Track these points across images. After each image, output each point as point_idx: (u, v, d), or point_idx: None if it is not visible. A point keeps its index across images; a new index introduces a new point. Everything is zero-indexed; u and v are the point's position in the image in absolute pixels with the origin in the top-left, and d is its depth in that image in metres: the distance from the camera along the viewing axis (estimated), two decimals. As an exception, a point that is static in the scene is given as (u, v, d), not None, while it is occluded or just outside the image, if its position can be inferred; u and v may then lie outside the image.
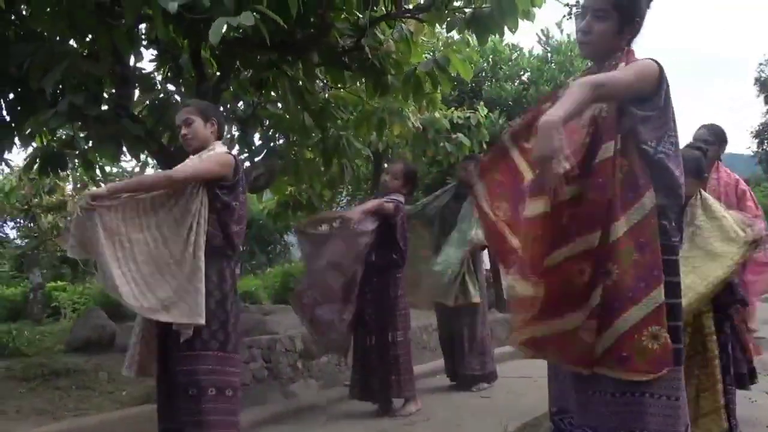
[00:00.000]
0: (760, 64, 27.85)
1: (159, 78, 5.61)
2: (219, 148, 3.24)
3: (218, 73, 5.05)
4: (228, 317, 3.09)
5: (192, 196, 3.04)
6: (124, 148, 4.53)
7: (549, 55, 12.92)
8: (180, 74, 5.34)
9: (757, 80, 27.56)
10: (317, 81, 5.77)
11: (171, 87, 5.65)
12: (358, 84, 5.82)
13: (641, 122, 2.02)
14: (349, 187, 11.52)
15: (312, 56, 4.68)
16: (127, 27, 4.04)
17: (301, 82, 5.29)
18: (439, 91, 5.60)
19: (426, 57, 5.35)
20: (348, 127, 6.32)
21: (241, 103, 6.37)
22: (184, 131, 3.24)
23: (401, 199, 4.86)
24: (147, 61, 5.18)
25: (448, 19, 4.84)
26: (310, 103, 5.55)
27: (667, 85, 2.08)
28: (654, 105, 2.05)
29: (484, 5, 4.62)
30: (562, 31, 13.60)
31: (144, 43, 4.90)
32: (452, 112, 8.04)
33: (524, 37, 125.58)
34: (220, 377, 3.05)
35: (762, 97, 30.00)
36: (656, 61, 2.08)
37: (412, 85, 5.10)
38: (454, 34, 5.45)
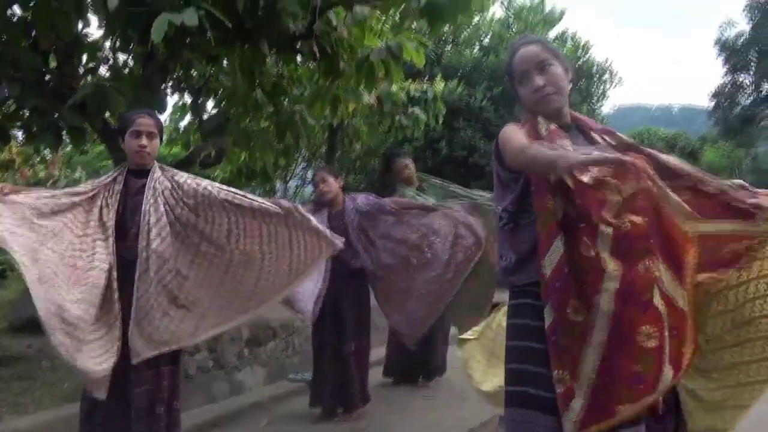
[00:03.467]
0: (721, 25, 27.93)
1: (108, 45, 5.48)
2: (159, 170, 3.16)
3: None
4: None
5: None
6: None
7: (510, 20, 12.86)
8: (128, 46, 5.20)
9: (718, 41, 27.73)
10: (269, 57, 5.68)
11: (122, 56, 5.55)
12: (310, 66, 5.74)
13: None
14: (305, 153, 11.46)
15: (262, 46, 4.57)
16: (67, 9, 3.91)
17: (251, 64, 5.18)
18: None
19: (378, 42, 5.26)
20: (301, 102, 6.26)
21: (194, 71, 6.28)
22: (144, 143, 3.04)
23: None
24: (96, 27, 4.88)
25: (402, 5, 4.77)
26: (261, 80, 5.47)
27: None
28: None
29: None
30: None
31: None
32: (410, 84, 8.01)
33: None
34: (176, 391, 3.14)
35: (720, 58, 30.35)
36: None
37: (365, 72, 5.03)
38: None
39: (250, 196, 3.14)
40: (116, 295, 2.90)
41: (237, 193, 3.11)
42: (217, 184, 3.17)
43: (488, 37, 12.41)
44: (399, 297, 4.46)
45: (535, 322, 2.03)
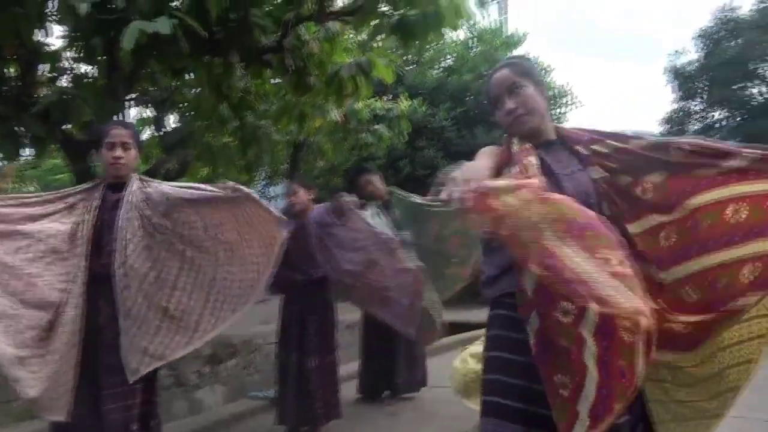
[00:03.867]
0: (671, 53, 28.71)
1: (69, 55, 5.33)
2: (137, 181, 3.06)
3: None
4: None
5: None
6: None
7: (472, 41, 13.00)
8: (93, 55, 5.07)
9: (668, 69, 28.48)
10: (237, 71, 5.61)
11: (84, 67, 5.39)
12: (278, 80, 5.68)
13: None
14: (267, 169, 11.35)
15: (232, 56, 4.51)
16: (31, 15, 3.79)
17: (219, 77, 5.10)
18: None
19: (348, 58, 5.24)
20: (267, 117, 6.19)
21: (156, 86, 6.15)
22: (119, 153, 2.94)
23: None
24: (56, 37, 4.73)
25: (374, 22, 4.76)
26: (227, 94, 5.39)
27: None
28: None
29: (410, 12, 4.55)
30: (484, 17, 13.68)
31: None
32: (375, 101, 8.01)
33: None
34: (153, 409, 2.99)
35: (671, 85, 31.16)
36: None
37: (335, 88, 5.01)
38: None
39: (199, 187, 3.05)
40: (75, 319, 2.75)
41: (189, 188, 3.04)
42: (172, 184, 3.11)
43: (451, 58, 12.55)
44: (379, 294, 4.37)
45: (512, 334, 2.01)
